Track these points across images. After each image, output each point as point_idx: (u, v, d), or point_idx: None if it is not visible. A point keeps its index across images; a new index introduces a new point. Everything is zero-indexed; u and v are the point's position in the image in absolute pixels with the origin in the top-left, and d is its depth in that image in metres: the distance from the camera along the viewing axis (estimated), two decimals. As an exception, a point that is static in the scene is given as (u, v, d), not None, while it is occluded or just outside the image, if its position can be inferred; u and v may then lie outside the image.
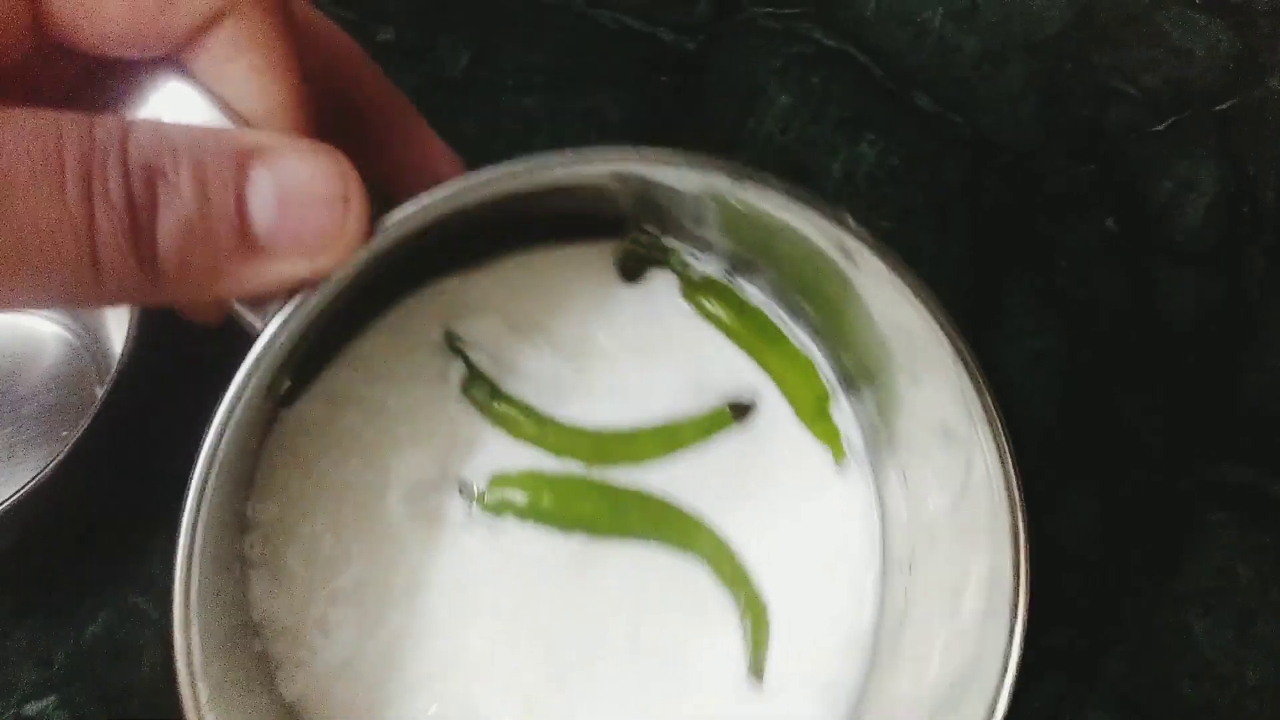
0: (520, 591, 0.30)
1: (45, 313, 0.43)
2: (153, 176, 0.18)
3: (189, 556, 0.24)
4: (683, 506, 0.31)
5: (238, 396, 0.23)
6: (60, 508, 0.37)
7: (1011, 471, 0.27)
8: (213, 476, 0.23)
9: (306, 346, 0.28)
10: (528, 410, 0.31)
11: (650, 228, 0.31)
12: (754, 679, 0.31)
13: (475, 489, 0.31)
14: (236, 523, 0.30)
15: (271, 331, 0.23)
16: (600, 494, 0.31)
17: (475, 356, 0.31)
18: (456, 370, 0.31)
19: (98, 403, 0.35)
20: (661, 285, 0.32)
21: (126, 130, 0.19)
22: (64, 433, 0.41)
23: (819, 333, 0.33)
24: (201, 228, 0.19)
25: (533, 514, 0.31)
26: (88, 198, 0.18)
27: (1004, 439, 0.27)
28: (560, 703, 0.30)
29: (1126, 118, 0.52)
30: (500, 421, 0.31)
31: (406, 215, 0.23)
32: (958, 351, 0.27)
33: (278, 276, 0.20)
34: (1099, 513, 0.43)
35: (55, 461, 0.34)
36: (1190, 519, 0.43)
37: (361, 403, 0.31)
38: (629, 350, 0.32)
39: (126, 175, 0.18)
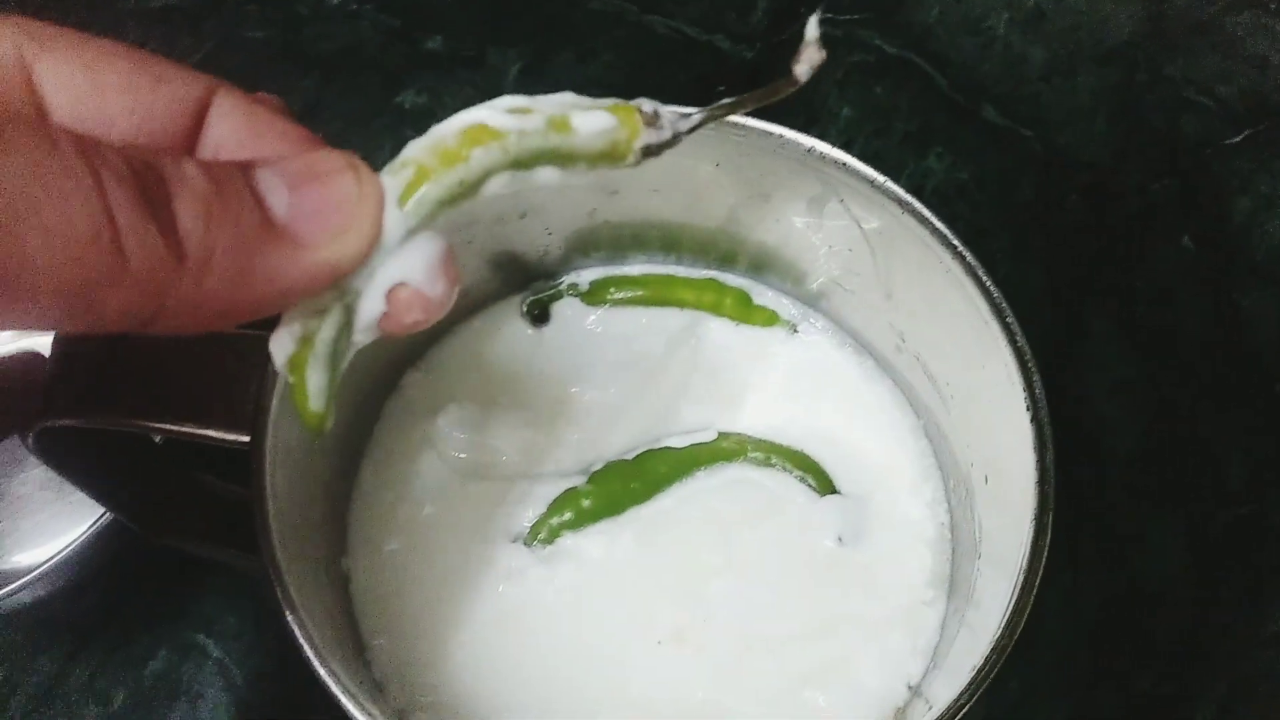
0: (615, 581, 0.31)
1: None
2: (157, 165, 0.18)
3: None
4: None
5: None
6: (117, 547, 0.35)
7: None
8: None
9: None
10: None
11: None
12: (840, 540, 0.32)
13: (524, 535, 0.32)
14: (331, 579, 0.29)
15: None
16: (622, 470, 0.33)
17: (458, 443, 0.33)
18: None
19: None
20: (568, 313, 0.35)
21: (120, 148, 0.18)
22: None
23: (706, 260, 0.36)
24: (219, 206, 0.18)
25: (583, 522, 0.32)
26: (94, 171, 0.17)
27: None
28: (701, 629, 0.31)
29: (1202, 130, 0.50)
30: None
31: None
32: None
33: (312, 265, 0.19)
34: (1185, 548, 0.42)
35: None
36: (1278, 558, 0.42)
37: (395, 507, 0.32)
38: (575, 379, 0.34)
39: (129, 159, 0.17)
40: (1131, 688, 0.40)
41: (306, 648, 0.22)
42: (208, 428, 0.25)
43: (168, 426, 0.24)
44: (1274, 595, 0.41)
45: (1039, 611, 0.25)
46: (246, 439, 0.25)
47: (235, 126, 0.21)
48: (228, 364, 0.26)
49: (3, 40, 0.19)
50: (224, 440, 0.25)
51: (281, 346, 0.20)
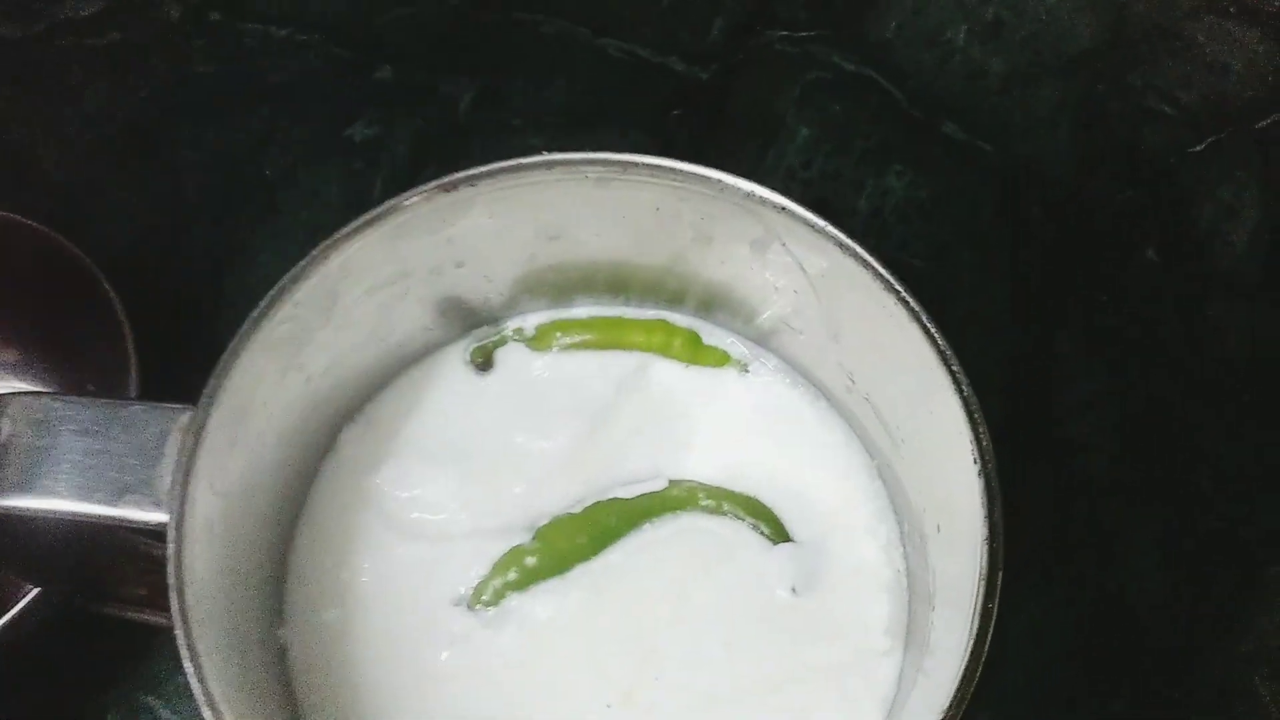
0: (563, 642, 0.31)
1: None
2: None
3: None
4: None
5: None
6: (56, 612, 0.34)
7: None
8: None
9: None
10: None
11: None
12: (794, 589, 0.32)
13: (468, 598, 0.31)
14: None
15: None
16: (569, 525, 0.32)
17: (397, 502, 0.32)
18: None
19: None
20: (513, 359, 0.35)
21: None
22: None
23: (655, 301, 0.35)
24: None
25: (528, 581, 0.31)
26: None
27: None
28: (652, 688, 0.30)
29: (1164, 139, 0.50)
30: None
31: None
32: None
33: None
34: (1160, 564, 0.41)
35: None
36: (1253, 571, 0.41)
37: (333, 572, 0.32)
38: (520, 428, 0.33)
39: None
40: (1110, 706, 0.39)
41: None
42: (124, 509, 0.24)
43: (80, 511, 0.24)
44: (1251, 611, 0.41)
45: (1013, 634, 0.25)
46: (165, 519, 0.24)
47: None
48: (145, 440, 0.25)
49: None
50: (141, 524, 0.24)
51: None
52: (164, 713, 0.38)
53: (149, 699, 0.38)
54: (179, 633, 0.23)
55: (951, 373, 0.26)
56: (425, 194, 0.28)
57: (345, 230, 0.27)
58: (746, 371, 0.34)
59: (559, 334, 0.34)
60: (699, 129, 0.50)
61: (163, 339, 0.38)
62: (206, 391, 0.25)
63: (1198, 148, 0.50)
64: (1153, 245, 0.47)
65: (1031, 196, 0.48)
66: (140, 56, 0.51)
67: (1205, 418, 0.44)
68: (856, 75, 0.51)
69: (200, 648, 0.23)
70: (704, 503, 0.32)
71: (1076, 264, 0.47)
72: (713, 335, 0.34)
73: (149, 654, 0.38)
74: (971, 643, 0.24)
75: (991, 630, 0.24)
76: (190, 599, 0.23)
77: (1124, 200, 0.48)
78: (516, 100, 0.50)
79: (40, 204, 0.43)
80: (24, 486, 0.24)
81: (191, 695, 0.40)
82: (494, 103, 0.50)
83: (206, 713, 0.22)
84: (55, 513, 0.24)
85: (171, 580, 0.23)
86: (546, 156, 0.28)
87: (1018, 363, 0.45)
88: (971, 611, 0.24)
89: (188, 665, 0.22)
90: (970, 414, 0.26)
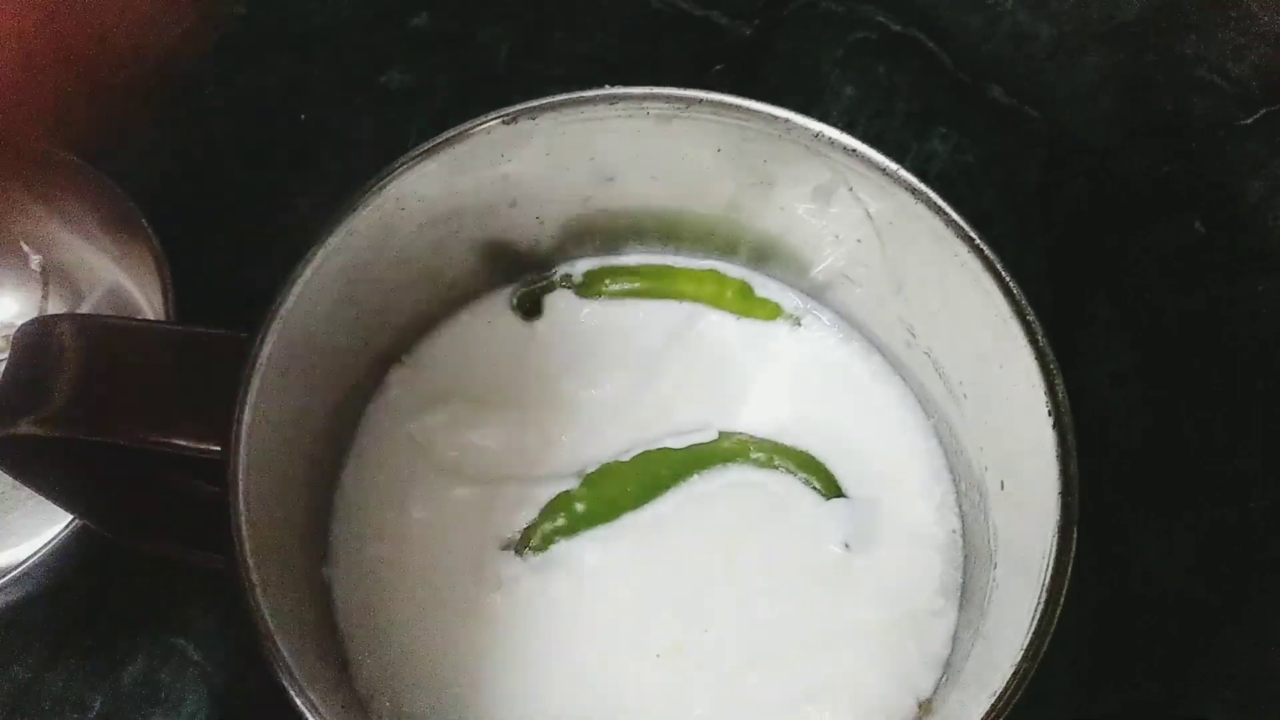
0: (611, 590, 0.30)
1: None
2: None
3: None
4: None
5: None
6: (94, 549, 0.34)
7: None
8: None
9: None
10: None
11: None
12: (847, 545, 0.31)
13: (516, 541, 0.31)
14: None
15: None
16: (618, 472, 0.31)
17: (445, 444, 0.31)
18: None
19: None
20: (561, 305, 0.34)
21: None
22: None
23: (706, 250, 0.34)
24: None
25: (577, 528, 0.31)
26: None
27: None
28: (700, 641, 0.30)
29: (1213, 110, 0.49)
30: None
31: None
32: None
33: None
34: (1191, 547, 0.41)
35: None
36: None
37: (379, 513, 0.31)
38: (569, 376, 0.33)
39: None
40: (1134, 692, 0.39)
41: (285, 681, 0.21)
42: (177, 438, 0.23)
43: (133, 437, 0.23)
44: (1277, 594, 0.40)
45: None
46: (218, 449, 0.23)
47: None
48: (198, 367, 0.24)
49: None
50: (196, 450, 0.23)
51: None
52: (195, 655, 0.37)
53: (180, 641, 0.37)
54: (237, 560, 0.22)
55: (1027, 324, 0.25)
56: (486, 125, 0.27)
57: (404, 159, 0.26)
58: (799, 325, 0.33)
59: (608, 281, 0.34)
60: (740, 85, 0.49)
61: (199, 277, 0.37)
62: (263, 320, 0.24)
63: (1247, 120, 0.49)
64: (1198, 218, 0.47)
65: (1075, 165, 0.47)
66: (172, -4, 0.50)
67: (1245, 397, 0.43)
68: (902, 36, 0.50)
69: (256, 578, 0.22)
70: (755, 456, 0.31)
71: (1119, 235, 0.46)
72: (765, 287, 0.34)
73: (181, 596, 0.38)
74: (1043, 601, 0.23)
75: (1066, 584, 0.23)
76: (246, 527, 0.22)
77: (1169, 172, 0.47)
78: (555, 51, 0.49)
79: (72, 141, 0.42)
80: (74, 409, 0.23)
81: (222, 639, 0.39)
82: (532, 53, 0.49)
83: (266, 644, 0.21)
84: (107, 438, 0.23)
85: (232, 508, 0.22)
86: (610, 90, 0.27)
87: (1055, 332, 0.44)
88: (1043, 568, 0.24)
89: (247, 594, 0.22)
90: (1046, 367, 0.25)
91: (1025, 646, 0.23)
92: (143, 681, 0.37)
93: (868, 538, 0.30)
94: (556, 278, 0.34)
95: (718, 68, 0.49)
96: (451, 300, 0.33)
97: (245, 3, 0.50)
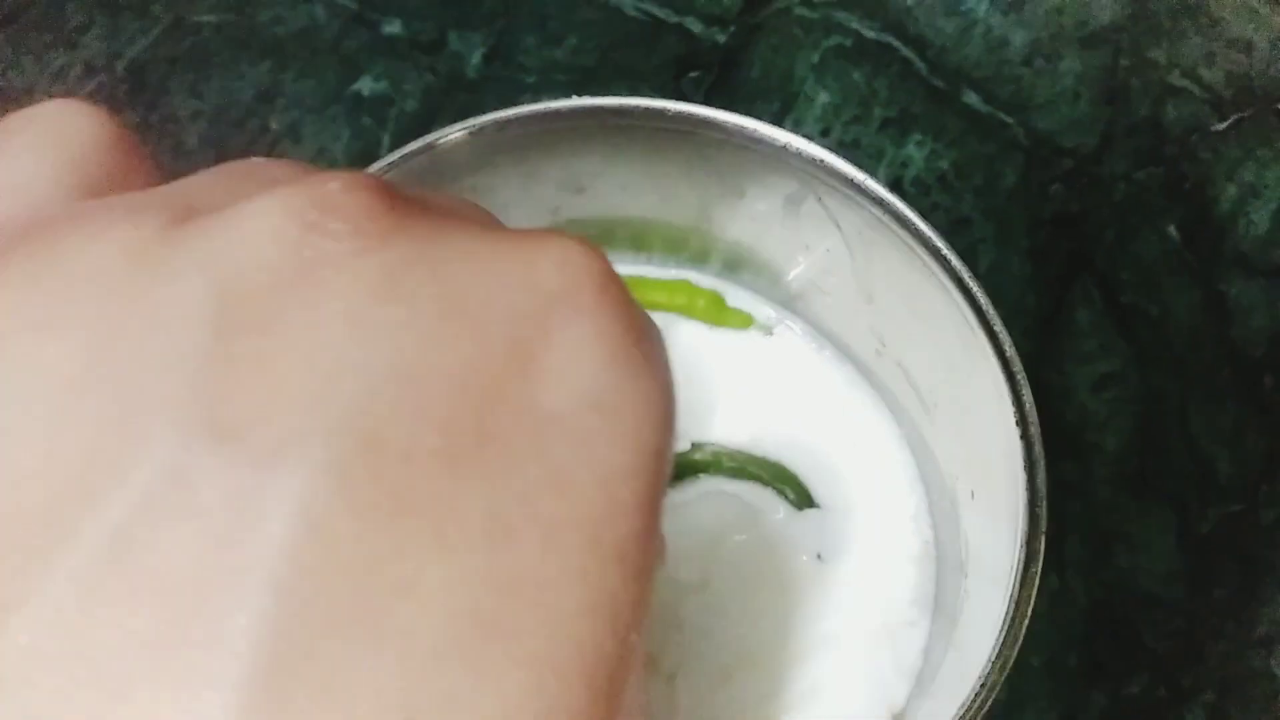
0: None
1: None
2: None
3: None
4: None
5: None
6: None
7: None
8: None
9: None
10: None
11: None
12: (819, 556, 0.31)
13: None
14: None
15: None
16: None
17: None
18: None
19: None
20: None
21: None
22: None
23: (678, 260, 0.34)
24: None
25: None
26: None
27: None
28: (675, 652, 0.30)
29: (1187, 116, 0.49)
30: None
31: None
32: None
33: None
34: (1176, 547, 0.41)
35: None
36: (1273, 555, 0.41)
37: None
38: None
39: None
40: (1122, 691, 0.39)
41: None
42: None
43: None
44: (1266, 595, 0.40)
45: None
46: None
47: None
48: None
49: None
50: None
51: None
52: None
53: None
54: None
55: (993, 334, 0.25)
56: (453, 138, 0.27)
57: (379, 166, 0.26)
58: (771, 334, 0.33)
59: None
60: (715, 92, 0.49)
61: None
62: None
63: (1220, 126, 0.49)
64: (1174, 223, 0.47)
65: (1052, 170, 0.48)
66: (141, 3, 0.50)
67: (1224, 398, 0.43)
68: (877, 42, 0.50)
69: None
70: (727, 466, 0.31)
71: (1096, 240, 0.47)
72: (737, 297, 0.33)
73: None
74: (1010, 613, 0.23)
75: (1035, 595, 0.23)
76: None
77: (1145, 177, 0.48)
78: (528, 58, 0.49)
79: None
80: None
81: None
82: (505, 59, 0.49)
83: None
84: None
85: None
86: (578, 101, 0.27)
87: (1035, 338, 0.44)
88: (1011, 578, 0.23)
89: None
90: (1012, 376, 0.25)
91: (994, 657, 0.23)
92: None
93: (840, 548, 0.30)
94: None
95: (692, 74, 0.49)
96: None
97: (216, 10, 0.50)
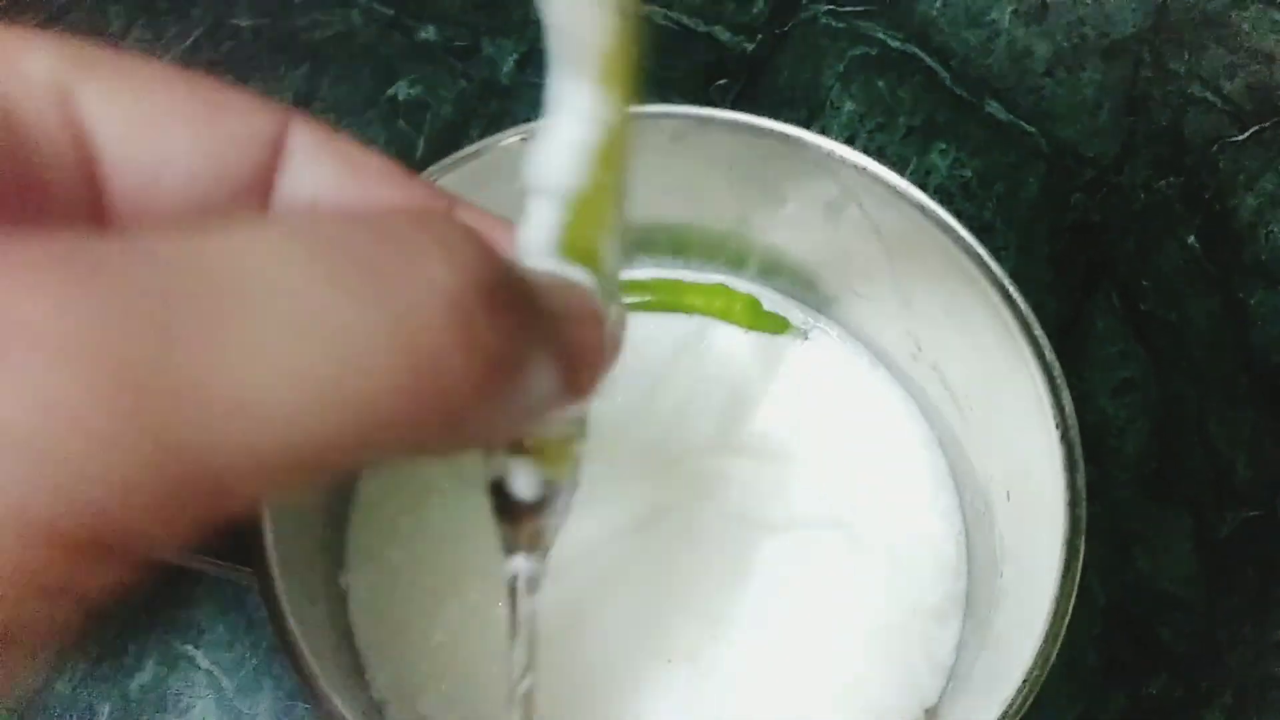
0: (625, 594, 0.30)
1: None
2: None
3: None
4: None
5: None
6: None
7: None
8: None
9: None
10: None
11: None
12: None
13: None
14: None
15: None
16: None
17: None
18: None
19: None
20: None
21: None
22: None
23: (716, 264, 0.35)
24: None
25: None
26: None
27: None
28: (712, 647, 0.30)
29: (1207, 127, 0.50)
30: None
31: None
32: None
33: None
34: (1194, 551, 0.41)
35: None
36: (1288, 560, 0.41)
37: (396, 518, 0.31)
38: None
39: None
40: (1140, 691, 0.39)
41: (310, 690, 0.21)
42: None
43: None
44: (1282, 601, 0.41)
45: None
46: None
47: (326, 166, 0.18)
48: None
49: (36, 62, 0.15)
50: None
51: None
52: (203, 662, 0.38)
53: (189, 648, 0.38)
54: (261, 569, 0.22)
55: (1034, 339, 0.26)
56: (505, 142, 0.27)
57: (431, 170, 0.27)
58: (806, 339, 0.34)
59: None
60: (742, 100, 0.50)
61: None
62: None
63: (1239, 137, 0.50)
64: (1193, 232, 0.47)
65: (1073, 179, 0.48)
66: (180, 7, 0.50)
67: (1243, 405, 0.44)
68: (902, 51, 0.51)
69: (280, 588, 0.22)
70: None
71: (1116, 248, 0.47)
72: (773, 301, 0.34)
73: (190, 603, 0.38)
74: (1051, 613, 0.24)
75: (1075, 594, 0.24)
76: (273, 539, 0.23)
77: (1165, 186, 0.48)
78: (560, 64, 0.50)
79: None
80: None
81: (232, 647, 0.40)
82: (538, 66, 0.50)
83: (292, 654, 0.22)
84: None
85: (263, 522, 0.23)
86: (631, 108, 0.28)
87: (1059, 341, 0.45)
88: (1050, 585, 0.24)
89: (271, 604, 0.22)
90: (1052, 380, 0.26)
91: (1036, 654, 0.23)
92: (151, 688, 0.38)
93: (874, 547, 0.31)
94: None
95: (720, 82, 0.50)
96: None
97: (255, 14, 0.51)
